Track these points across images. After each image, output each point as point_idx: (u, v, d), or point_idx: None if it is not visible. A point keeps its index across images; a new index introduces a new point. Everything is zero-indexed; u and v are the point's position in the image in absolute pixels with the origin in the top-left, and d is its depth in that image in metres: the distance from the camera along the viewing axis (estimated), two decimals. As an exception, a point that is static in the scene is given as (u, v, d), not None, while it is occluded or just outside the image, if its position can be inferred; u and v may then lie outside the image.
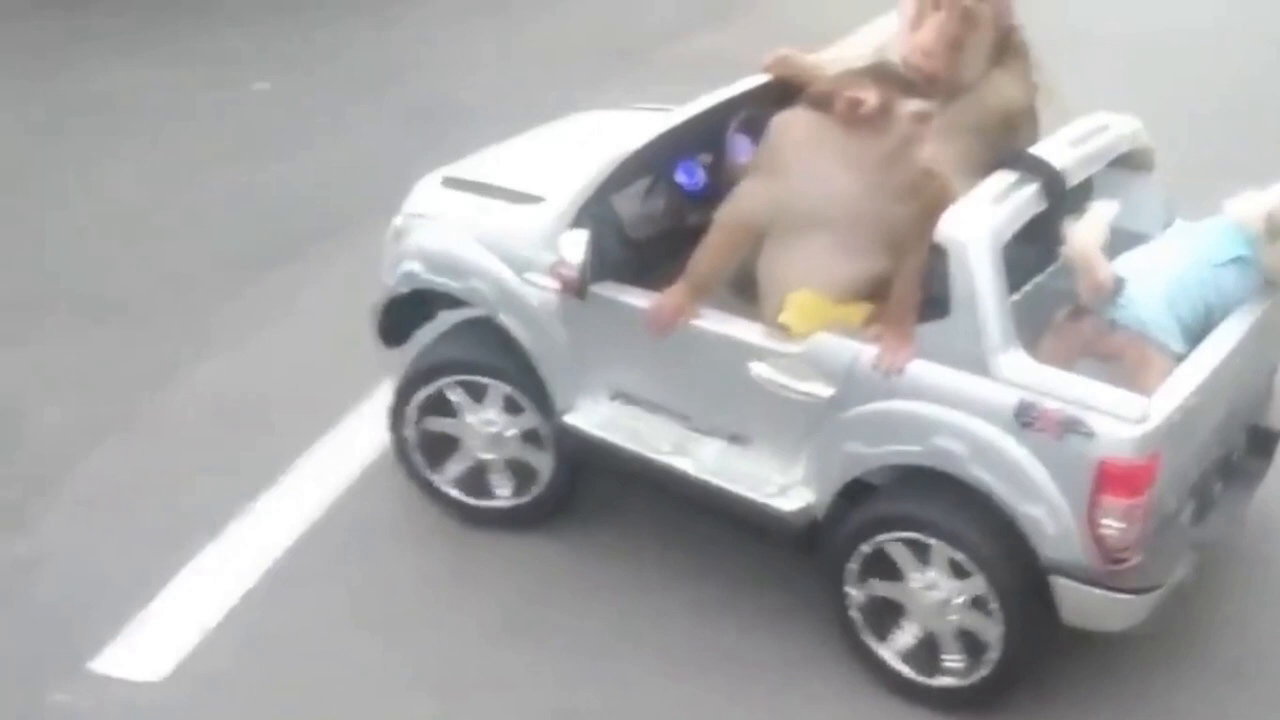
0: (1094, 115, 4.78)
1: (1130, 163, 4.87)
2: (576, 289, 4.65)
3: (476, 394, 5.09)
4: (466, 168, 5.36)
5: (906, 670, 4.52)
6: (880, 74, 4.40)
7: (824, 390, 4.40)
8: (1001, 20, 4.72)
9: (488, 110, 8.21)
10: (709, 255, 4.58)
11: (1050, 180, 4.35)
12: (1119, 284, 4.37)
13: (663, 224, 4.95)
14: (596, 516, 5.32)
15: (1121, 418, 4.00)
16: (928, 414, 4.25)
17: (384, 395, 5.33)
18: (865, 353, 4.33)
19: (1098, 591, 4.14)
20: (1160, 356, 4.33)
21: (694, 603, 4.92)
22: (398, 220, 5.28)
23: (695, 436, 4.76)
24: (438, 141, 6.77)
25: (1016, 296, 4.56)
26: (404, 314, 5.32)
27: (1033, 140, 4.66)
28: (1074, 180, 4.43)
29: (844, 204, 4.36)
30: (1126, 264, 4.48)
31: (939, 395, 4.23)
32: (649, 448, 4.78)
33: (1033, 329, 4.57)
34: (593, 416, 4.90)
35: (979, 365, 4.16)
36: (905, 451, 4.32)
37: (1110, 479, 4.01)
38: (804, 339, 4.42)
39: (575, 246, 4.60)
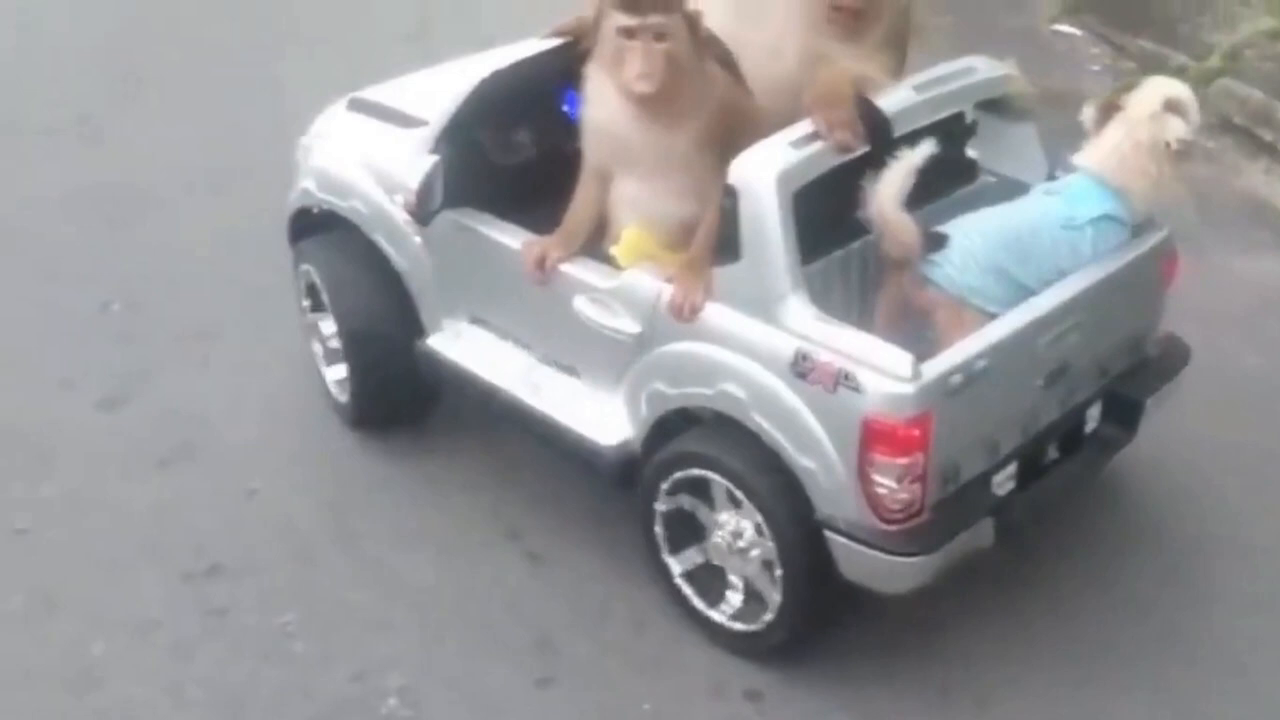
0: (962, 59, 4.58)
1: (1003, 110, 4.67)
2: (415, 214, 4.70)
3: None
4: (377, 91, 5.43)
5: (707, 609, 4.49)
6: None
7: (632, 327, 4.37)
8: None
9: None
10: (574, 201, 4.57)
11: (872, 125, 4.18)
12: (937, 241, 4.19)
13: (532, 152, 4.95)
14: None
15: (889, 374, 3.86)
16: (717, 358, 4.18)
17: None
18: (667, 292, 4.27)
19: (870, 551, 4.02)
20: (975, 318, 4.15)
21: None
22: (304, 139, 5.41)
23: (537, 366, 4.78)
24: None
25: (856, 245, 4.46)
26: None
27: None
28: (907, 127, 4.24)
29: (619, 134, 4.32)
30: (963, 221, 4.29)
31: (727, 340, 4.15)
32: (494, 374, 4.82)
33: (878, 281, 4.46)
34: (451, 341, 4.97)
35: (764, 311, 4.07)
36: (698, 394, 4.26)
37: (876, 436, 3.88)
38: (619, 275, 4.39)
39: (415, 173, 4.64)
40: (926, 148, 4.14)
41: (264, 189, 5.98)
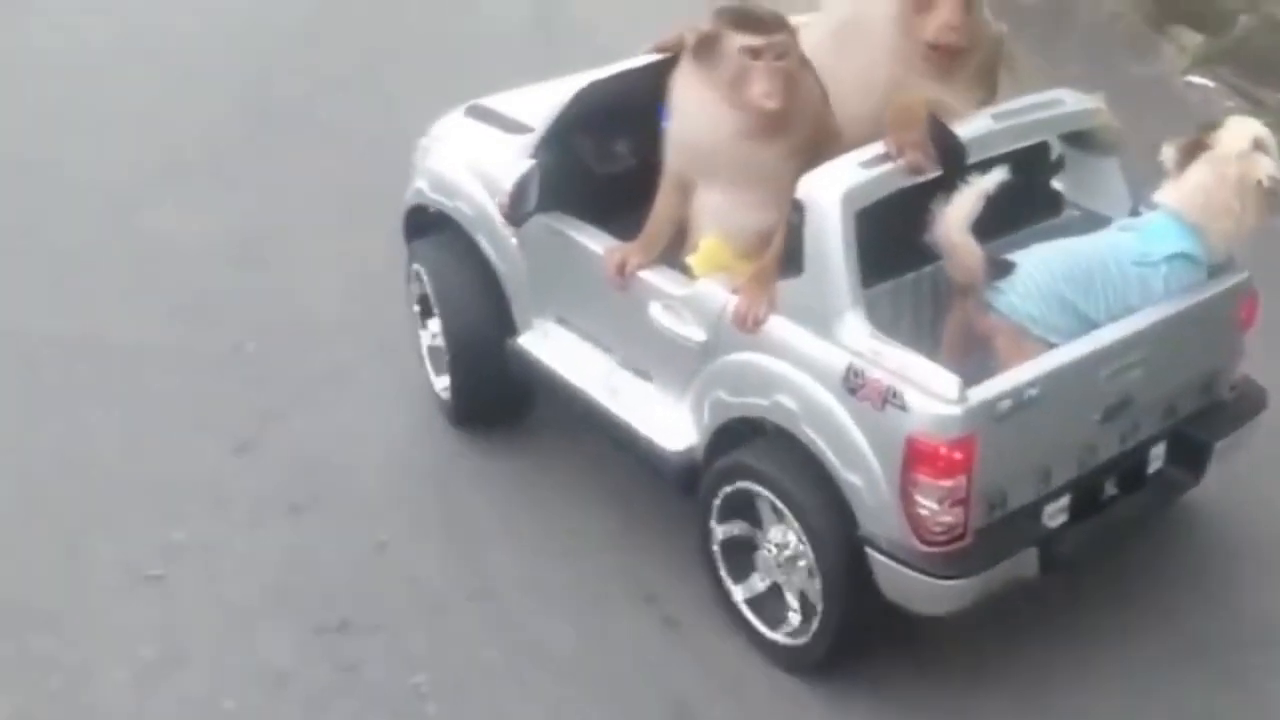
0: (1050, 91, 4.61)
1: (1089, 144, 4.67)
2: (508, 215, 4.89)
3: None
4: (496, 100, 5.63)
5: (756, 621, 4.55)
6: (729, 9, 4.36)
7: (699, 335, 4.49)
8: None
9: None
10: (654, 210, 4.71)
11: (945, 149, 4.23)
12: (1003, 268, 4.22)
13: (631, 163, 5.09)
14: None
15: (936, 395, 3.91)
16: (774, 369, 4.27)
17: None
18: (733, 303, 4.37)
19: (908, 571, 4.06)
20: (1035, 347, 4.17)
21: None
22: (423, 140, 5.64)
23: (616, 370, 4.91)
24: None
25: (928, 269, 4.51)
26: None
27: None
28: (982, 154, 4.28)
29: (716, 145, 4.40)
30: (1032, 251, 4.32)
31: (785, 351, 4.24)
32: (576, 375, 4.98)
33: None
34: (539, 340, 5.14)
35: (822, 326, 4.15)
36: (755, 404, 4.35)
37: (919, 456, 3.92)
38: (691, 283, 4.51)
39: (511, 175, 4.83)
40: (998, 175, 4.16)
41: (393, 225, 5.84)
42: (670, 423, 4.67)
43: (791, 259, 4.21)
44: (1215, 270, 4.40)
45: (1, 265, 6.88)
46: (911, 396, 3.93)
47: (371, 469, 5.47)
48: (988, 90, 4.63)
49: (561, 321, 5.11)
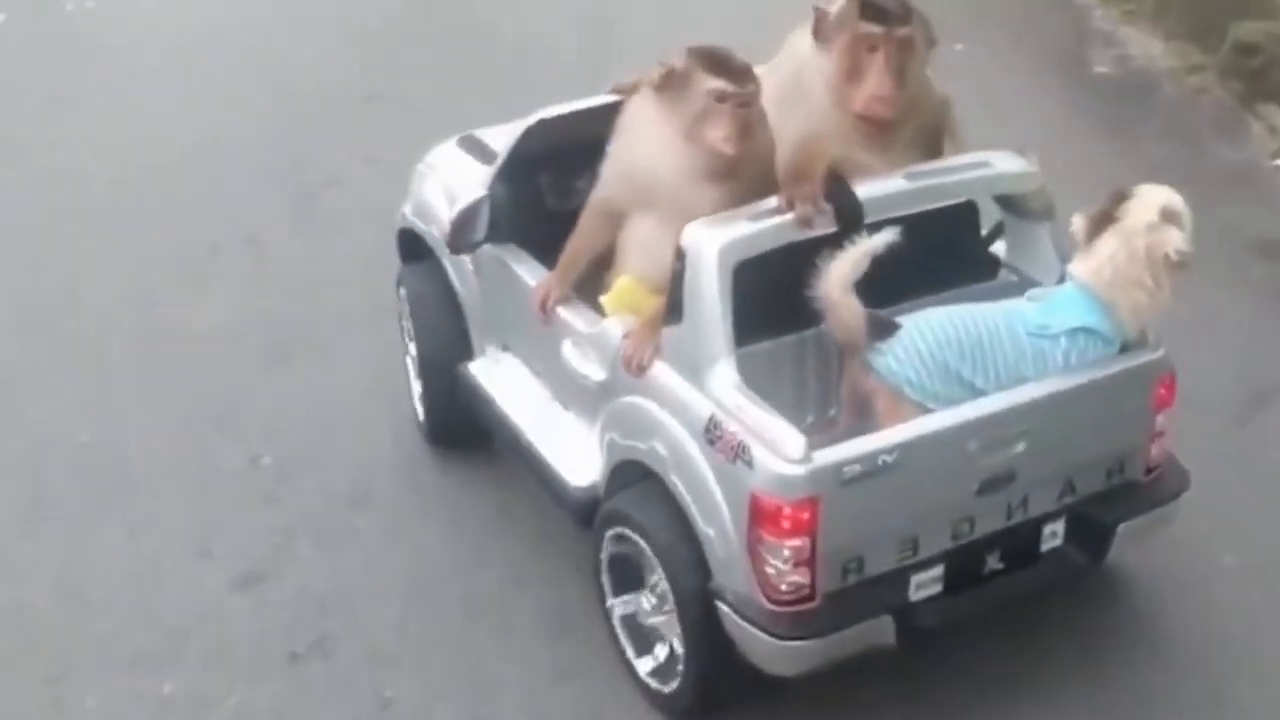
0: (977, 154, 4.50)
1: (1021, 209, 4.54)
2: (449, 243, 5.00)
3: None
4: (487, 132, 5.73)
5: (632, 656, 4.56)
6: (703, 51, 4.36)
7: (599, 374, 4.52)
8: (930, 38, 4.49)
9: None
10: (574, 237, 4.76)
11: (842, 205, 4.18)
12: (887, 329, 4.14)
13: (584, 199, 5.15)
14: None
15: (780, 454, 3.87)
16: (654, 414, 4.28)
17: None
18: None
19: (751, 629, 4.02)
20: (913, 411, 4.09)
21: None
22: (420, 165, 5.79)
23: (545, 401, 4.98)
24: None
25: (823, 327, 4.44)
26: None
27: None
28: (886, 212, 4.20)
29: (661, 177, 4.41)
30: (922, 314, 4.23)
31: (663, 397, 4.25)
32: (508, 403, 5.06)
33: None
34: (488, 367, 5.24)
35: (695, 375, 4.15)
36: (636, 447, 4.36)
37: (762, 515, 3.89)
38: (599, 322, 4.55)
39: (458, 204, 4.95)
40: (888, 235, 4.09)
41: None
42: (579, 458, 4.70)
43: (674, 306, 4.22)
44: (1128, 347, 4.24)
45: (18, 362, 6.41)
46: (758, 453, 3.90)
47: (383, 608, 5.01)
48: (929, 155, 4.55)
49: (507, 350, 5.20)
